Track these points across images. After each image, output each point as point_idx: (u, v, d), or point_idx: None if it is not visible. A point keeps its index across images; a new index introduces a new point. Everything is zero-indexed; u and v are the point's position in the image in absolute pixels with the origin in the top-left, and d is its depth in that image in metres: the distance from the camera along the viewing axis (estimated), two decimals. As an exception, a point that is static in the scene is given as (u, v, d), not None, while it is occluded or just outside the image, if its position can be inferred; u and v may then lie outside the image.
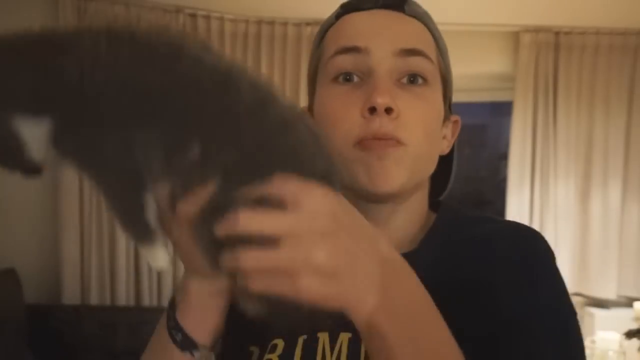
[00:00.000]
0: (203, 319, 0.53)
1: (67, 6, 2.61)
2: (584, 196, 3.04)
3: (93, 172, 0.46)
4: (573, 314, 0.57)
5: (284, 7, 2.87)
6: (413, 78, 0.60)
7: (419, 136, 0.59)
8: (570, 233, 3.03)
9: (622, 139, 3.00)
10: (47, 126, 0.43)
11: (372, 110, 0.57)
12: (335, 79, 0.61)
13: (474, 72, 3.16)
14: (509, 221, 0.65)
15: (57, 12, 2.61)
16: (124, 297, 2.73)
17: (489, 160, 3.98)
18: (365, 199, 0.61)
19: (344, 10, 0.64)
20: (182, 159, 0.43)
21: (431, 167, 0.64)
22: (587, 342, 2.59)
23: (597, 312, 2.95)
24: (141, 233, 0.48)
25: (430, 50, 0.62)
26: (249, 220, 0.41)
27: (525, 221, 3.02)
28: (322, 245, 0.40)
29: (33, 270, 2.61)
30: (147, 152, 0.44)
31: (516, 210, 3.05)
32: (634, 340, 2.34)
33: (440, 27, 0.66)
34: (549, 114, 3.02)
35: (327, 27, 0.66)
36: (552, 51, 3.00)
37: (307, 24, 2.93)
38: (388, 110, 0.57)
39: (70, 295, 2.64)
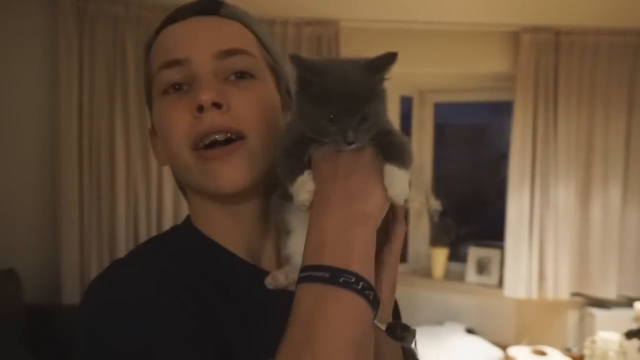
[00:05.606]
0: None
1: (66, 6, 2.61)
2: (584, 196, 3.03)
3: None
4: None
5: (284, 7, 2.86)
6: (240, 75, 0.62)
7: (257, 126, 0.61)
8: (570, 233, 3.02)
9: (623, 138, 2.99)
10: None
11: (200, 108, 0.58)
12: (165, 92, 0.63)
13: (474, 72, 3.16)
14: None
15: (57, 11, 2.60)
16: (124, 297, 2.72)
17: (489, 160, 3.98)
18: (219, 202, 0.64)
19: (162, 25, 0.65)
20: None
21: None
22: (587, 342, 2.59)
23: (598, 312, 2.95)
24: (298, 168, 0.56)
25: (251, 46, 0.64)
26: None
27: (525, 221, 3.03)
28: None
29: (33, 270, 2.61)
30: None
31: (516, 210, 3.05)
32: (634, 341, 2.34)
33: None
34: (549, 114, 3.01)
35: (150, 43, 0.67)
36: (552, 51, 3.00)
37: (307, 23, 2.93)
38: (217, 105, 0.59)
39: (70, 295, 2.64)
